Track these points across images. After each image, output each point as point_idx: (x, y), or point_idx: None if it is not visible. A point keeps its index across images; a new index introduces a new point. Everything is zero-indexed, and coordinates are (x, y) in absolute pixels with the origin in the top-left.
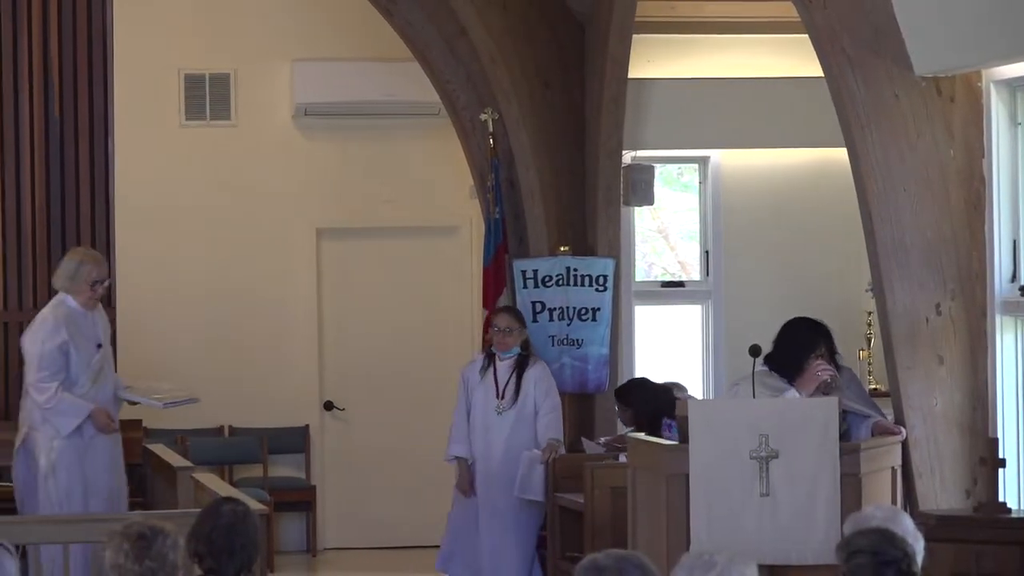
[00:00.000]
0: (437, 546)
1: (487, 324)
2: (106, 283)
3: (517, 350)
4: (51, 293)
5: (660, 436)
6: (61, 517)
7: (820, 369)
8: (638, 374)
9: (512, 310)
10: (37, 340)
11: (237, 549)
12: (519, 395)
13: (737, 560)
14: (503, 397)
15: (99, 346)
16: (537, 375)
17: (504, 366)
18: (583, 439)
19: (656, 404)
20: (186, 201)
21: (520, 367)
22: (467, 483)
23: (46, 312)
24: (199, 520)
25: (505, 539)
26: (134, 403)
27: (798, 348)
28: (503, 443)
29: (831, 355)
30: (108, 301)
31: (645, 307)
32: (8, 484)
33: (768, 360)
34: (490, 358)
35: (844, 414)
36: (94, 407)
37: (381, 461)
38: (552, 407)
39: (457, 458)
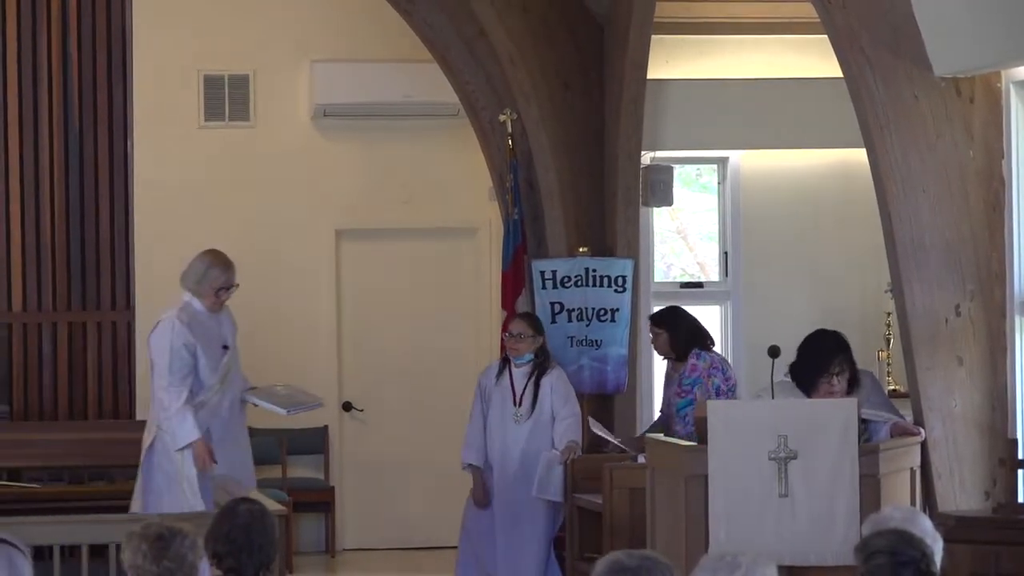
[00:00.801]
0: (455, 547)
1: (506, 326)
2: (232, 289)
3: (530, 356)
4: (69, 294)
5: (683, 367)
6: (77, 518)
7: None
8: (657, 374)
9: (528, 316)
10: (165, 344)
11: (256, 548)
12: (536, 403)
13: (761, 563)
14: (520, 404)
15: (225, 347)
16: (553, 382)
17: (520, 372)
18: (590, 418)
19: (690, 331)
20: (205, 202)
21: (537, 374)
22: (481, 493)
23: (172, 314)
24: (216, 521)
25: (521, 540)
26: (256, 405)
27: (813, 366)
28: (520, 450)
29: (851, 367)
30: (127, 302)
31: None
32: (23, 485)
33: (792, 370)
34: (505, 363)
35: (865, 423)
36: (200, 439)
37: (400, 462)
38: (571, 413)
39: (471, 466)
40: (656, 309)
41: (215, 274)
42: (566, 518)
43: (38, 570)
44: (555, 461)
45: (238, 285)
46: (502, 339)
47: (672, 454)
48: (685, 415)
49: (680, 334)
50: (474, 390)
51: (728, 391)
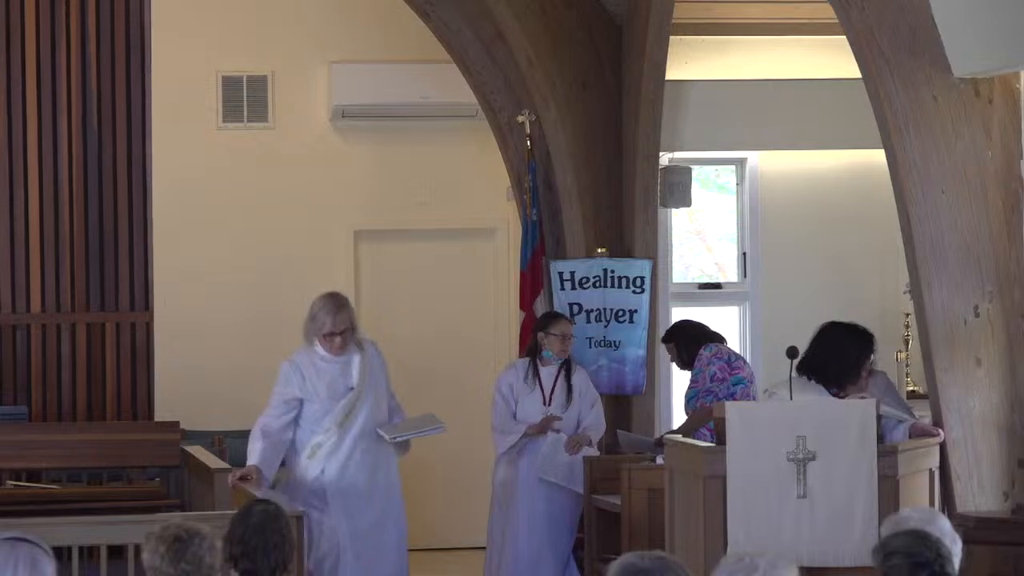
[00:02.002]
0: (473, 548)
1: (525, 327)
2: (345, 334)
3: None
4: (89, 294)
5: (692, 365)
6: (96, 518)
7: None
8: (675, 375)
9: (566, 317)
10: (278, 377)
11: (271, 547)
12: (569, 402)
13: (779, 564)
14: (550, 404)
15: (351, 389)
16: (582, 386)
17: (548, 371)
18: (619, 431)
19: (696, 338)
20: (223, 203)
21: (566, 372)
22: (546, 422)
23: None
24: (232, 524)
25: (547, 541)
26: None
27: (853, 357)
28: (550, 447)
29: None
30: (145, 303)
31: (682, 309)
32: (41, 486)
33: (806, 368)
34: (533, 363)
35: (878, 419)
36: (246, 468)
37: (416, 462)
38: (598, 414)
39: (520, 438)
40: (674, 315)
41: (320, 319)
42: (584, 519)
43: (57, 571)
44: (560, 443)
45: (350, 330)
46: (523, 338)
47: (691, 455)
48: (693, 406)
49: (684, 343)
50: (495, 390)
51: (728, 381)
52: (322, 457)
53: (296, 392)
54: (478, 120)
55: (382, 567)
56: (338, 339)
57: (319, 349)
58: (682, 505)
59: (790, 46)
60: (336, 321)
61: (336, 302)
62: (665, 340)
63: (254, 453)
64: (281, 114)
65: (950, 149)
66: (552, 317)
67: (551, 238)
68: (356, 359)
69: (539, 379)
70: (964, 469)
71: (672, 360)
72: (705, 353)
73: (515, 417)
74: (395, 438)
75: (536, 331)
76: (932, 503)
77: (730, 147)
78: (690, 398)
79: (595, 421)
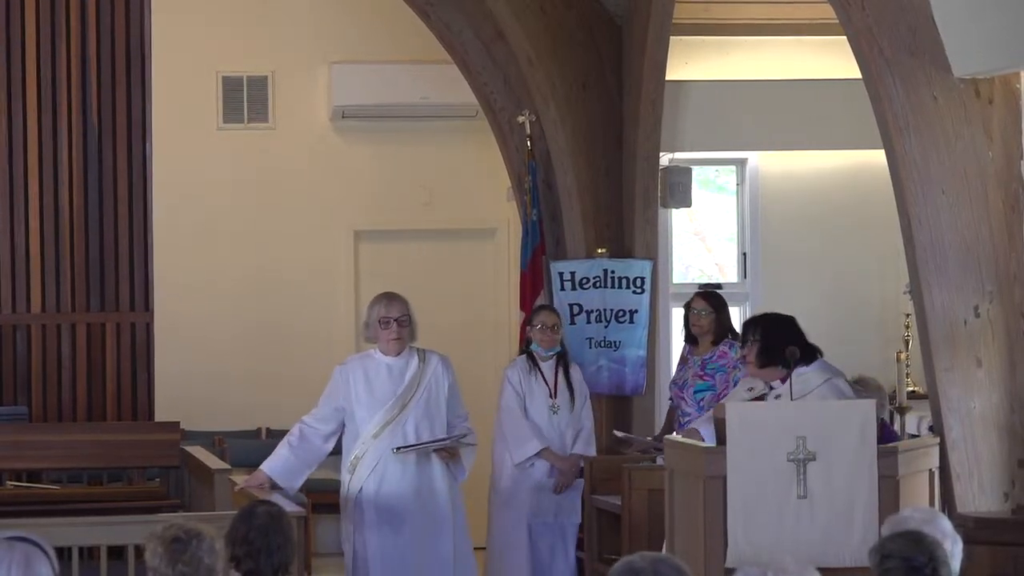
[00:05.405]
0: (474, 548)
1: (524, 325)
2: (397, 320)
3: (558, 348)
4: (89, 294)
5: (707, 352)
6: (96, 519)
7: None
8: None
9: (553, 308)
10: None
11: (275, 548)
12: (572, 394)
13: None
14: (556, 396)
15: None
16: (578, 381)
17: (548, 365)
18: (615, 432)
19: (729, 318)
20: (224, 204)
21: (563, 365)
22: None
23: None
24: (234, 524)
25: (560, 539)
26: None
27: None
28: (559, 440)
29: (761, 340)
30: (145, 304)
31: (682, 310)
32: (41, 486)
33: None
34: (531, 358)
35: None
36: (257, 479)
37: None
38: (589, 412)
39: (540, 452)
40: (674, 316)
41: (376, 310)
42: (584, 519)
43: (56, 571)
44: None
45: (407, 319)
46: (523, 334)
47: (691, 456)
48: (700, 400)
49: (726, 318)
50: (502, 387)
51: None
52: (363, 472)
53: (340, 400)
54: (478, 120)
55: None
56: (394, 325)
57: (375, 353)
58: (682, 505)
59: (790, 46)
60: (391, 307)
61: (390, 294)
62: (708, 302)
63: (276, 458)
64: (281, 115)
65: (950, 149)
66: (535, 310)
67: (551, 238)
68: (411, 367)
69: (541, 373)
70: (964, 469)
71: (698, 324)
72: (732, 354)
73: (525, 411)
74: (399, 449)
75: (525, 327)
76: (932, 503)
77: (730, 147)
78: (699, 389)
79: (588, 423)
